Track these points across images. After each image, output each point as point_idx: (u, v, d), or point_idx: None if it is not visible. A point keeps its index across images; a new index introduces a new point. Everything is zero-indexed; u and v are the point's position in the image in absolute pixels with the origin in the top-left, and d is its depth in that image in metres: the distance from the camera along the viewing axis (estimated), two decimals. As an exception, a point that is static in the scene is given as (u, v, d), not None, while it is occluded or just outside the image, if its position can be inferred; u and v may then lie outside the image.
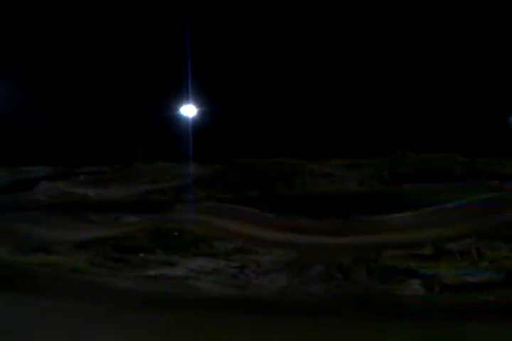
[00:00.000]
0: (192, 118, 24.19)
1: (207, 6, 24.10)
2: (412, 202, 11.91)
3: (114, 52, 25.60)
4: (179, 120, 24.22)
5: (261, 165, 19.12)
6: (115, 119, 25.42)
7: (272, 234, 9.97)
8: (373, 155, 20.32)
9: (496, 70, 22.15)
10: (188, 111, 24.30)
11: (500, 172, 16.21)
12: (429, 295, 5.68)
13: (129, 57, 25.37)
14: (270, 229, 10.40)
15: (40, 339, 4.39)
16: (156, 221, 10.91)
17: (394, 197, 13.60)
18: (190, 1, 22.44)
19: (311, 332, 4.51)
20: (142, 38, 25.16)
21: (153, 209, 12.69)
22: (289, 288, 6.24)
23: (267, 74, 25.03)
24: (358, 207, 11.91)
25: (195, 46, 21.63)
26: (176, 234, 9.35)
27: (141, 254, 7.97)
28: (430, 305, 5.29)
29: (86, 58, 25.44)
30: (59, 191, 17.55)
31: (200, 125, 23.13)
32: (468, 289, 5.70)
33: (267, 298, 5.82)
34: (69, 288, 5.87)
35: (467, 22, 22.63)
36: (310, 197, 14.33)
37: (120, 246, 8.29)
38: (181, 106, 24.28)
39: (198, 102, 24.16)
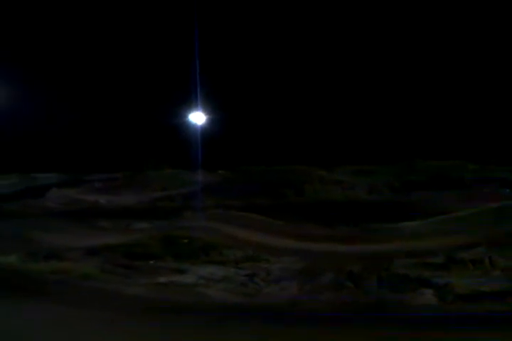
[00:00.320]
0: (201, 125, 24.30)
1: (217, 12, 24.27)
2: (423, 210, 11.85)
3: (124, 60, 25.82)
4: (188, 127, 24.34)
5: (270, 172, 19.11)
6: (125, 127, 25.59)
7: (281, 242, 9.94)
8: (383, 162, 20.25)
9: (509, 78, 22.03)
10: (197, 118, 24.42)
11: (511, 180, 16.09)
12: (441, 304, 5.62)
13: (138, 65, 25.58)
14: (280, 237, 10.37)
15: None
16: (166, 228, 10.93)
17: (404, 204, 13.53)
18: (199, 7, 22.59)
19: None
20: (151, 46, 25.37)
21: (163, 216, 12.73)
22: (300, 296, 6.21)
23: (276, 81, 25.11)
24: (368, 215, 11.86)
25: (204, 53, 21.77)
26: (185, 241, 9.36)
27: (151, 261, 7.99)
28: (442, 315, 5.23)
29: (98, 67, 25.68)
30: (70, 198, 17.66)
31: (209, 132, 23.23)
32: (481, 298, 5.64)
33: (277, 306, 5.79)
34: (79, 295, 5.89)
35: (482, 28, 22.55)
36: (320, 205, 14.29)
37: (130, 252, 8.30)
38: (190, 113, 24.41)
39: (207, 110, 24.28)
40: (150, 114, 24.83)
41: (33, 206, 15.51)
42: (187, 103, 23.68)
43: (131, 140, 25.51)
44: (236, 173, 20.34)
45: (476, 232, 9.33)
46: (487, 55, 22.76)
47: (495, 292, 5.83)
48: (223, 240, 9.69)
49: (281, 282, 6.92)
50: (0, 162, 23.81)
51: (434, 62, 23.77)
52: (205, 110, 24.34)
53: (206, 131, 23.44)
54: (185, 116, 24.46)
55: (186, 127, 24.34)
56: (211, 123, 24.23)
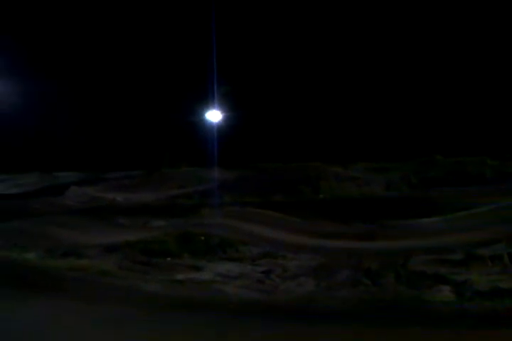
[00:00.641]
0: (217, 123, 24.38)
1: (233, 12, 24.29)
2: (441, 207, 11.72)
3: (142, 59, 26.00)
4: (205, 125, 24.44)
5: (286, 169, 19.09)
6: (142, 125, 25.79)
7: (298, 239, 9.93)
8: (400, 158, 20.08)
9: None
10: (214, 116, 24.51)
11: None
12: (460, 301, 5.56)
13: (156, 64, 25.73)
14: (296, 234, 10.37)
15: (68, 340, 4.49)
16: (183, 225, 10.99)
17: (422, 201, 13.40)
18: (217, 6, 22.63)
19: (340, 338, 4.47)
20: (169, 45, 25.50)
21: (180, 214, 12.80)
22: (316, 292, 6.19)
23: (292, 79, 25.04)
24: (385, 212, 11.78)
25: (221, 52, 21.81)
26: (202, 238, 9.39)
27: (169, 258, 8.03)
28: (461, 312, 5.17)
29: (116, 66, 25.90)
30: (88, 196, 17.89)
31: (225, 130, 23.30)
32: (500, 295, 5.56)
33: (294, 302, 5.78)
34: (97, 291, 5.96)
35: (491, 28, 22.22)
36: (336, 202, 14.24)
37: (148, 250, 8.36)
38: (207, 111, 24.50)
39: (223, 107, 24.35)
40: (167, 113, 25.00)
41: (53, 204, 15.74)
42: (203, 101, 23.78)
43: (148, 138, 25.72)
44: (252, 170, 20.36)
45: (495, 228, 9.19)
46: (505, 50, 22.39)
47: (514, 289, 5.73)
48: (240, 237, 9.71)
49: (297, 279, 6.90)
50: (22, 161, 24.25)
51: (454, 58, 23.46)
52: (222, 108, 24.41)
53: (222, 129, 23.52)
54: (202, 114, 24.58)
55: (203, 125, 24.45)
56: (227, 120, 24.31)
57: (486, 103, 22.27)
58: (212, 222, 11.01)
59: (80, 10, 25.88)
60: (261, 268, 7.49)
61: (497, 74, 22.39)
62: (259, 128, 24.24)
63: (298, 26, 25.09)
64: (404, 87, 23.85)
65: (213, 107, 24.22)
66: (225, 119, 24.39)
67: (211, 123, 24.37)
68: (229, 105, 24.04)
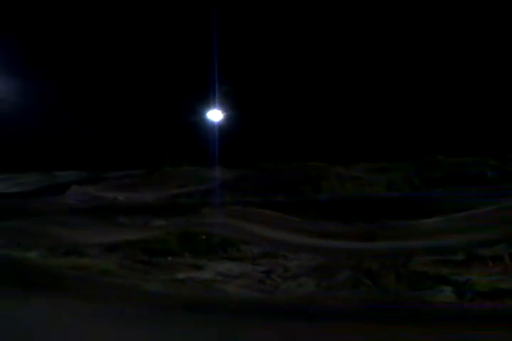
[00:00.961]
0: (218, 122, 24.39)
1: (234, 12, 24.29)
2: (443, 207, 11.70)
3: (143, 58, 26.01)
4: (206, 124, 24.45)
5: (288, 169, 19.08)
6: (143, 124, 25.80)
7: (299, 239, 9.92)
8: (402, 159, 20.07)
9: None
10: (215, 115, 24.51)
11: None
12: (461, 301, 5.55)
13: (156, 63, 25.74)
14: (297, 234, 10.36)
15: (69, 339, 4.48)
16: (184, 224, 10.99)
17: (424, 201, 13.39)
18: (217, 6, 22.64)
19: (340, 338, 4.47)
20: (170, 44, 25.50)
21: (181, 213, 12.80)
22: (317, 293, 6.18)
23: (293, 78, 25.04)
24: (386, 212, 11.77)
25: (222, 51, 21.81)
26: (203, 237, 9.40)
27: (170, 257, 8.04)
28: (462, 312, 5.16)
29: (117, 65, 25.92)
30: (89, 195, 17.89)
31: (226, 129, 23.31)
32: (501, 296, 5.55)
33: (295, 302, 5.78)
34: (98, 290, 5.95)
35: (492, 28, 22.20)
36: (337, 202, 14.22)
37: (149, 249, 8.37)
38: (208, 110, 24.51)
39: (224, 107, 24.34)
40: (168, 112, 25.01)
41: (54, 203, 15.74)
42: (204, 100, 23.79)
43: (149, 137, 25.72)
44: (253, 170, 20.36)
45: (497, 229, 9.18)
46: (506, 50, 22.37)
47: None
48: (241, 236, 9.71)
49: (298, 278, 6.91)
50: (22, 160, 24.28)
51: (455, 58, 23.44)
52: (223, 107, 24.41)
53: (224, 128, 23.53)
54: (203, 114, 24.58)
55: (204, 124, 24.45)
56: (228, 120, 24.31)
57: (488, 103, 22.25)
58: (213, 222, 11.00)
59: (80, 10, 25.90)
60: (262, 268, 7.49)
61: (498, 74, 22.38)
62: (260, 128, 24.25)
63: (299, 26, 25.09)
64: (405, 88, 23.84)
65: (214, 106, 24.24)
66: (226, 119, 24.40)
67: (212, 123, 24.39)
68: (230, 104, 24.05)
